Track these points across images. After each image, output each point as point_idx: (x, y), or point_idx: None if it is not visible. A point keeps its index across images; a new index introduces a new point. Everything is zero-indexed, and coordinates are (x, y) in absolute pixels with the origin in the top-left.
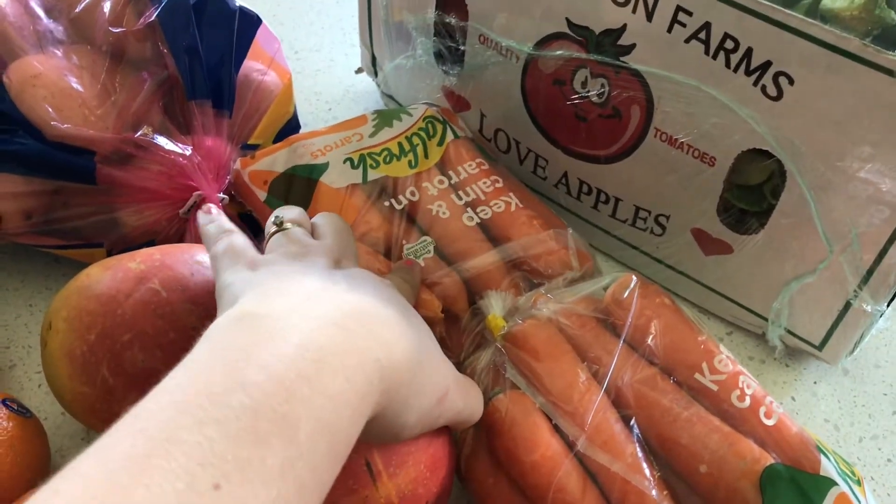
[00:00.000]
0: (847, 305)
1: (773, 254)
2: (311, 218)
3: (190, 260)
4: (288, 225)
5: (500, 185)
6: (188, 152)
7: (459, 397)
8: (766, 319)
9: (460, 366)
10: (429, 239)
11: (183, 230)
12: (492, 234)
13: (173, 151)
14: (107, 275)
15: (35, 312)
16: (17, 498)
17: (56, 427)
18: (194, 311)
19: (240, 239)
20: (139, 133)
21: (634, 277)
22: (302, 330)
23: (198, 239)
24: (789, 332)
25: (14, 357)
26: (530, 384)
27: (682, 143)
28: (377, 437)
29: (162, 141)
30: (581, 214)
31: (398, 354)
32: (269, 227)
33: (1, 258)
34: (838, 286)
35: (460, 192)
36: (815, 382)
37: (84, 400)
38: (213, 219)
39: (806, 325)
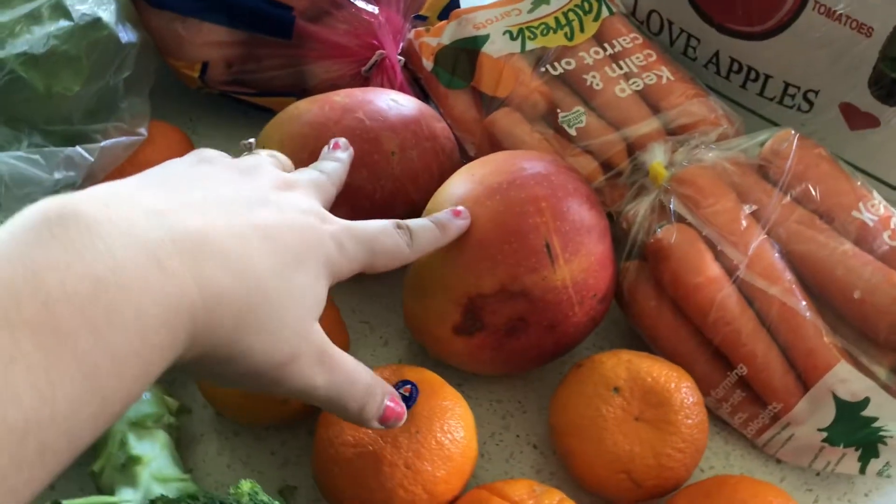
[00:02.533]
0: None
1: None
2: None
3: (386, 97)
4: (260, 151)
5: (653, 58)
6: (376, 11)
7: (320, 373)
8: None
9: (619, 214)
10: (581, 109)
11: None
12: (646, 103)
13: (364, 10)
14: (314, 106)
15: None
16: None
17: None
18: (394, 138)
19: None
20: None
21: (793, 130)
22: (114, 259)
23: None
24: None
25: None
26: (696, 217)
27: (839, 14)
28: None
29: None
30: (728, 94)
31: (225, 307)
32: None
33: (200, 111)
34: None
35: (615, 64)
36: None
37: None
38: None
39: None
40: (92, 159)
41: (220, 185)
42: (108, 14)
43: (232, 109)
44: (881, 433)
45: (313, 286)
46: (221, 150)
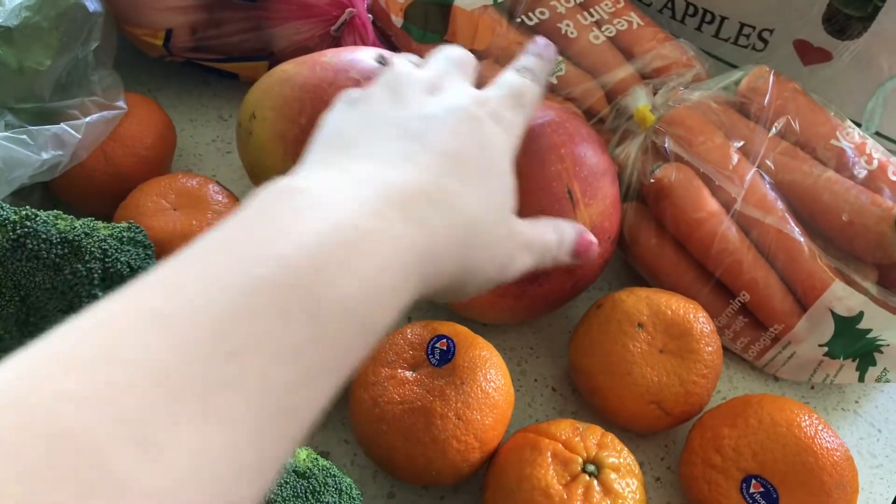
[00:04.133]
0: None
1: (870, 57)
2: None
3: (374, 55)
4: (391, 59)
5: (621, 4)
6: None
7: (528, 256)
8: (859, 125)
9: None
10: (560, 58)
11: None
12: (619, 49)
13: None
14: (304, 68)
15: (197, 126)
16: None
17: None
18: None
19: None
20: None
21: (768, 67)
22: (341, 211)
23: None
24: (878, 134)
25: (188, 163)
26: (690, 155)
27: None
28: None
29: None
30: (684, 37)
31: (444, 245)
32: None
33: (159, 81)
34: None
35: (586, 12)
36: None
37: None
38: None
39: (895, 124)
40: (79, 136)
41: (382, 131)
42: None
43: (192, 77)
44: (877, 342)
45: (503, 185)
46: (188, 119)
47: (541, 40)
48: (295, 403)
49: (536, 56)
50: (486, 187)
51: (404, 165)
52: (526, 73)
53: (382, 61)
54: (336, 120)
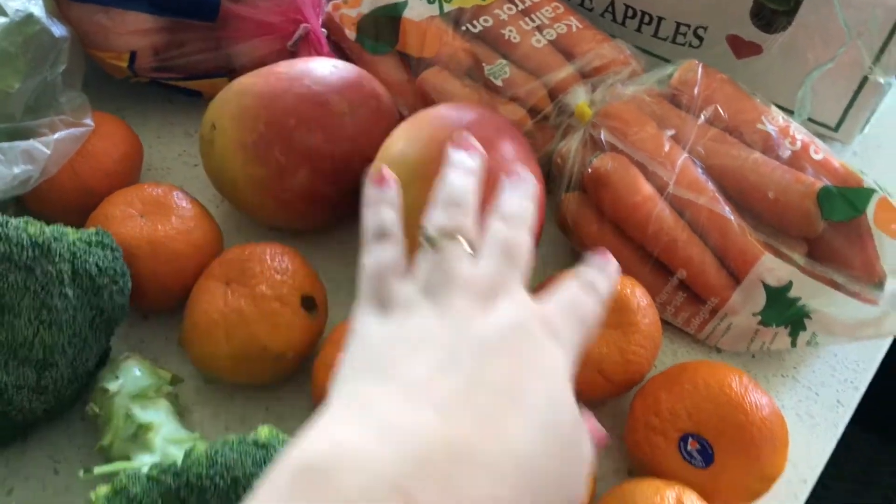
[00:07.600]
0: (861, 84)
1: (797, 49)
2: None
3: (326, 64)
4: (442, 241)
5: (560, 10)
6: None
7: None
8: (791, 112)
9: (552, 153)
10: (504, 62)
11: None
12: (560, 51)
13: None
14: (259, 80)
15: (164, 142)
16: (207, 263)
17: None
18: (342, 100)
19: (388, 254)
20: None
21: (697, 61)
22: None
23: None
24: (809, 119)
25: (156, 177)
26: (625, 145)
27: None
28: None
29: None
30: (625, 38)
31: None
32: (421, 236)
33: (126, 101)
34: (854, 68)
35: (528, 18)
36: None
37: (259, 181)
38: (378, 203)
39: (824, 110)
40: (49, 152)
41: (424, 354)
42: (38, 9)
43: (157, 96)
44: (806, 309)
45: (566, 412)
46: (155, 136)
47: (602, 251)
48: None
49: (599, 269)
50: (545, 420)
51: (450, 394)
52: (590, 291)
53: (430, 241)
54: (368, 335)
